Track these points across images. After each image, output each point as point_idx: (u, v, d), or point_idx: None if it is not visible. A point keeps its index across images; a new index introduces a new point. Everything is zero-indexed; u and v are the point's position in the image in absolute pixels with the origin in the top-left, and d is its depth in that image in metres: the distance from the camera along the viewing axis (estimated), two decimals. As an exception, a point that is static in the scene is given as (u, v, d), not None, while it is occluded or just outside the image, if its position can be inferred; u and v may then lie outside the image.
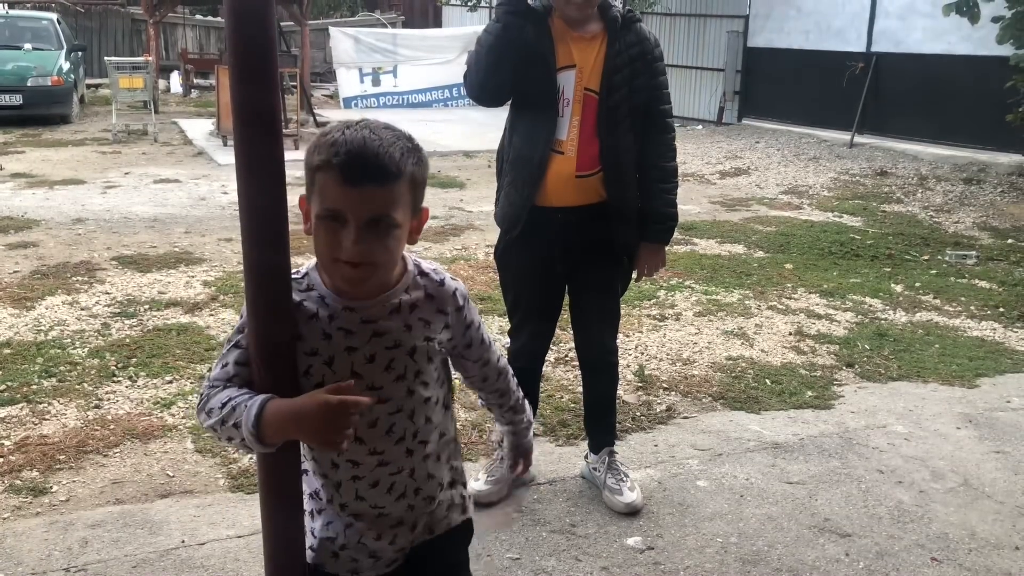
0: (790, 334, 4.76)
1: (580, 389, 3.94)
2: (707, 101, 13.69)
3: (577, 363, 4.22)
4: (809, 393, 4.00)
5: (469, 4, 14.19)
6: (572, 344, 4.45)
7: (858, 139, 11.00)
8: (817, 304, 5.32)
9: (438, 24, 19.58)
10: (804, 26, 12.15)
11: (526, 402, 1.74)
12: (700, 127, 13.32)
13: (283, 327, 1.40)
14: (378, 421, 1.43)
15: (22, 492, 2.91)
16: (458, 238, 6.73)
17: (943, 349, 4.62)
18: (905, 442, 3.54)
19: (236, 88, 1.37)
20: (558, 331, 4.65)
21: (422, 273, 1.47)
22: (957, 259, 6.48)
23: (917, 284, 5.81)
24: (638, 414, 3.71)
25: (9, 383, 3.74)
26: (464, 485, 1.65)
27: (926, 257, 6.55)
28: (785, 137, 11.65)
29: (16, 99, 11.92)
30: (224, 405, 1.33)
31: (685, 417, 3.72)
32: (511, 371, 1.68)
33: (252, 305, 1.40)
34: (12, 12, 15.57)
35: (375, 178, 1.30)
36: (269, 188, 1.38)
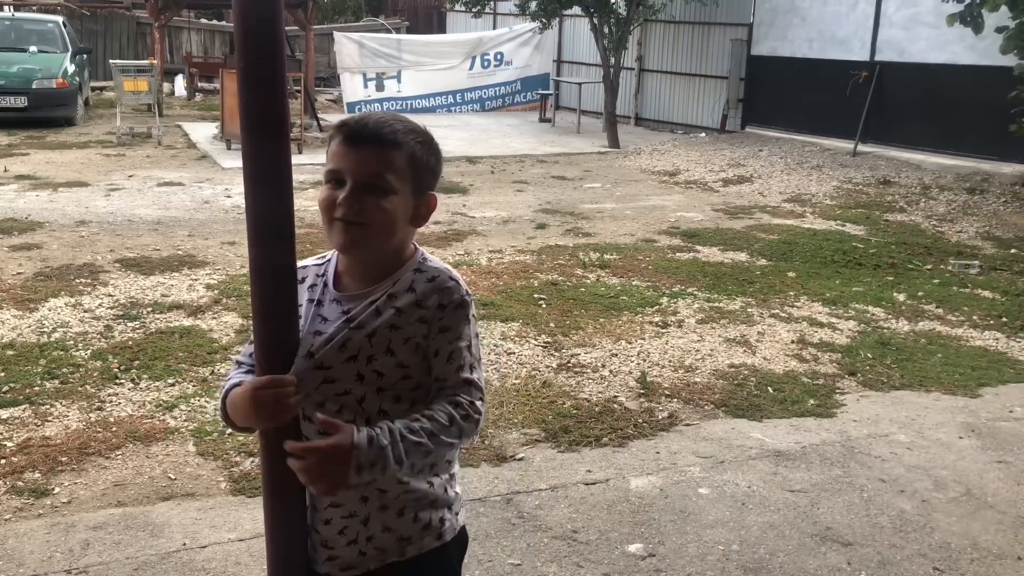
0: (792, 342, 4.76)
1: (582, 395, 3.96)
2: (710, 108, 13.69)
3: (579, 368, 4.25)
4: (811, 401, 4.00)
5: (474, 10, 14.21)
6: (575, 350, 4.47)
7: (861, 148, 11.00)
8: (819, 312, 5.32)
9: (442, 30, 19.59)
10: (808, 34, 12.17)
11: (433, 438, 1.38)
12: (703, 135, 13.34)
13: (286, 328, 1.41)
14: (325, 403, 1.41)
15: (24, 493, 2.92)
16: (461, 243, 6.74)
17: (946, 358, 4.61)
18: (907, 451, 3.54)
19: (245, 94, 1.38)
20: (561, 337, 4.68)
21: (419, 270, 1.46)
22: (960, 269, 6.47)
23: (920, 293, 5.81)
24: (640, 421, 3.71)
25: (12, 384, 3.75)
26: (450, 509, 1.52)
27: (929, 266, 6.55)
28: (788, 145, 11.65)
29: (21, 101, 11.94)
30: (224, 387, 1.50)
31: (687, 424, 3.72)
32: (460, 416, 1.41)
33: (256, 306, 1.41)
34: (18, 15, 15.60)
35: (372, 141, 1.40)
36: (276, 192, 1.39)
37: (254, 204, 1.40)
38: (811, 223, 7.93)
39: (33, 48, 12.83)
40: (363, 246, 1.42)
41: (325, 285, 1.49)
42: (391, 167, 1.41)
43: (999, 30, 8.17)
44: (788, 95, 12.43)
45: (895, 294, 5.77)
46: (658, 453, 3.45)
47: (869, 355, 4.61)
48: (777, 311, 5.29)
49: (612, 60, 12.50)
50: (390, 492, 1.44)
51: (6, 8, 18.65)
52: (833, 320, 5.18)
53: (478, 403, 1.43)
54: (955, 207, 8.56)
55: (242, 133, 1.40)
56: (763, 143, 11.97)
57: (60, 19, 14.40)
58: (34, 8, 18.42)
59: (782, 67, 12.52)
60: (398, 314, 1.41)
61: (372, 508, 1.44)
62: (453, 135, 12.89)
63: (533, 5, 13.06)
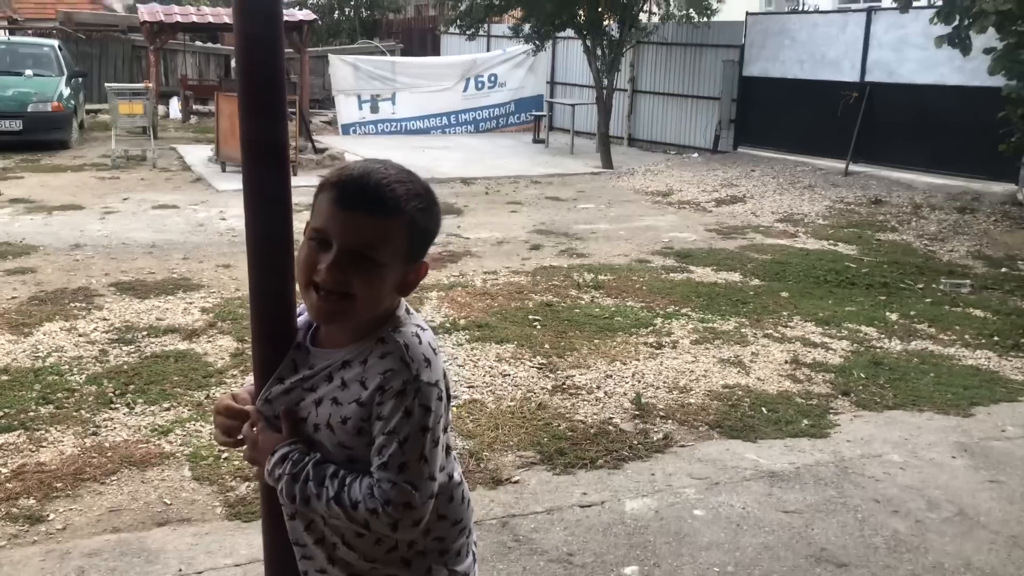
0: (786, 362, 4.78)
1: (577, 417, 3.97)
2: (703, 129, 13.80)
3: (574, 390, 4.26)
4: (805, 422, 4.02)
5: (468, 33, 14.35)
6: (570, 372, 4.49)
7: (853, 168, 11.10)
8: (813, 332, 5.35)
9: (436, 52, 19.73)
10: (798, 56, 12.31)
11: (332, 504, 1.30)
12: (696, 155, 13.44)
13: (285, 352, 1.43)
14: (275, 452, 1.35)
15: (19, 520, 2.91)
16: (455, 264, 6.76)
17: (938, 378, 4.64)
18: (901, 471, 3.55)
19: (245, 120, 1.40)
20: (556, 359, 4.69)
21: (382, 340, 1.30)
22: (952, 288, 6.52)
23: (912, 313, 5.85)
24: (635, 443, 3.72)
25: (6, 410, 3.75)
26: None
27: (921, 286, 6.59)
28: (780, 165, 11.75)
29: (16, 124, 11.97)
30: None
31: (682, 445, 3.73)
32: (369, 504, 1.27)
33: (256, 330, 1.43)
34: (13, 39, 15.69)
35: (366, 207, 1.25)
36: (276, 217, 1.42)
37: (254, 229, 1.42)
38: (804, 243, 7.99)
39: (28, 72, 12.89)
40: (341, 318, 1.30)
41: (309, 328, 1.40)
42: (385, 239, 1.26)
43: (987, 51, 8.27)
44: (780, 115, 12.55)
45: (888, 313, 5.81)
46: (653, 475, 3.45)
47: (862, 375, 4.63)
48: (771, 331, 5.32)
49: (605, 82, 12.62)
50: (356, 566, 1.37)
51: (1, 32, 18.74)
52: (826, 340, 5.21)
53: (392, 509, 1.25)
54: (946, 226, 8.63)
55: (243, 159, 1.42)
56: (755, 163, 12.06)
57: (55, 43, 14.47)
58: (29, 32, 18.51)
59: (773, 88, 12.65)
60: (342, 387, 1.30)
61: (336, 569, 1.38)
62: (447, 156, 12.97)
63: (527, 27, 13.20)
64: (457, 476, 1.46)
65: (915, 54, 10.75)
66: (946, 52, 9.01)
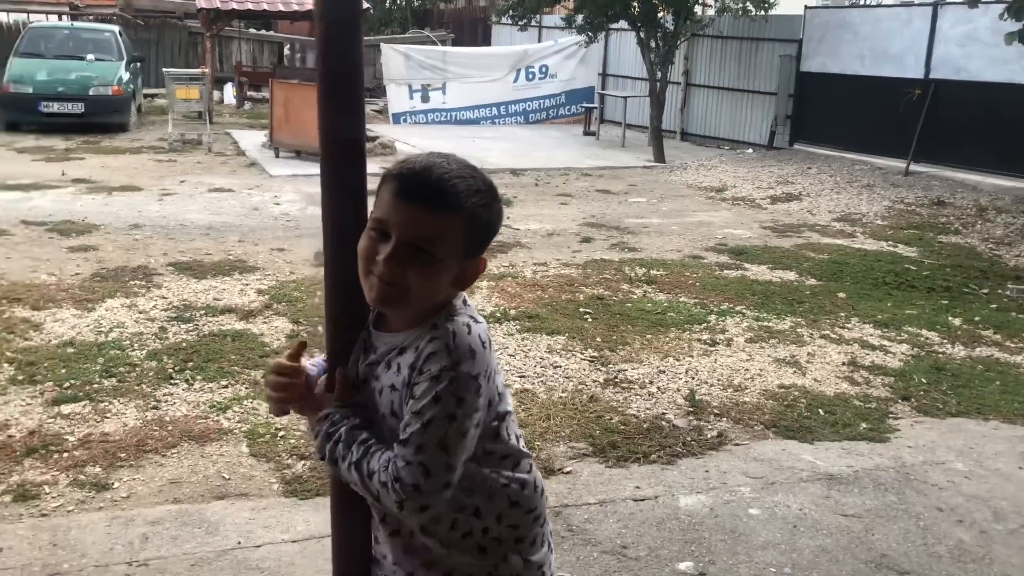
0: (843, 364, 4.68)
1: (629, 411, 3.94)
2: (758, 124, 13.56)
3: (626, 384, 4.22)
4: (864, 425, 3.92)
5: (519, 24, 14.29)
6: (622, 365, 4.45)
7: (914, 167, 10.80)
8: (871, 335, 5.22)
9: (487, 42, 19.71)
10: (859, 51, 12.01)
11: (352, 469, 1.31)
12: (750, 151, 13.21)
13: (355, 341, 1.43)
14: (322, 412, 1.39)
15: (85, 487, 3.00)
16: (505, 255, 6.75)
17: (1004, 386, 4.48)
18: (965, 480, 3.45)
19: (324, 114, 1.41)
20: (608, 352, 4.65)
21: (435, 326, 1.30)
22: (1019, 294, 6.30)
23: (976, 318, 5.66)
24: (689, 439, 3.67)
25: (72, 381, 3.85)
26: None
27: (985, 291, 6.39)
28: (838, 163, 11.49)
29: (79, 107, 12.30)
30: None
31: (737, 444, 3.67)
32: (393, 475, 1.26)
33: (331, 319, 1.44)
34: (76, 24, 16.10)
35: (427, 200, 1.25)
36: (353, 207, 1.42)
37: (333, 218, 1.42)
38: (862, 243, 7.80)
39: (90, 56, 13.21)
40: (397, 306, 1.32)
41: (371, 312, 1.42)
42: (444, 234, 1.26)
43: (1060, 50, 7.99)
44: (838, 112, 12.27)
45: (950, 318, 5.64)
46: (707, 472, 3.41)
47: (923, 380, 4.50)
48: (827, 332, 5.20)
49: (659, 74, 12.47)
50: (436, 551, 1.37)
51: (64, 18, 19.25)
52: (885, 343, 5.08)
53: (401, 487, 1.23)
54: (1013, 230, 8.34)
55: (321, 152, 1.43)
56: (812, 160, 11.82)
57: (116, 28, 14.81)
58: (91, 17, 18.96)
59: (832, 83, 12.37)
60: (398, 373, 1.32)
61: (414, 564, 1.38)
62: (497, 147, 12.95)
63: (579, 19, 13.10)
64: (527, 464, 1.44)
65: (984, 51, 10.40)
66: (1016, 49, 8.70)
